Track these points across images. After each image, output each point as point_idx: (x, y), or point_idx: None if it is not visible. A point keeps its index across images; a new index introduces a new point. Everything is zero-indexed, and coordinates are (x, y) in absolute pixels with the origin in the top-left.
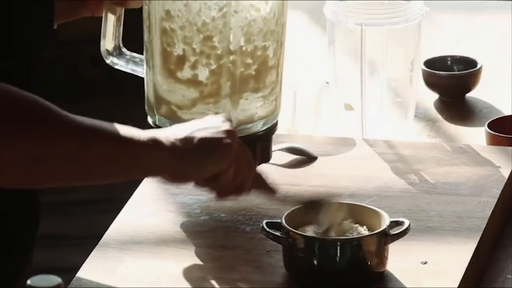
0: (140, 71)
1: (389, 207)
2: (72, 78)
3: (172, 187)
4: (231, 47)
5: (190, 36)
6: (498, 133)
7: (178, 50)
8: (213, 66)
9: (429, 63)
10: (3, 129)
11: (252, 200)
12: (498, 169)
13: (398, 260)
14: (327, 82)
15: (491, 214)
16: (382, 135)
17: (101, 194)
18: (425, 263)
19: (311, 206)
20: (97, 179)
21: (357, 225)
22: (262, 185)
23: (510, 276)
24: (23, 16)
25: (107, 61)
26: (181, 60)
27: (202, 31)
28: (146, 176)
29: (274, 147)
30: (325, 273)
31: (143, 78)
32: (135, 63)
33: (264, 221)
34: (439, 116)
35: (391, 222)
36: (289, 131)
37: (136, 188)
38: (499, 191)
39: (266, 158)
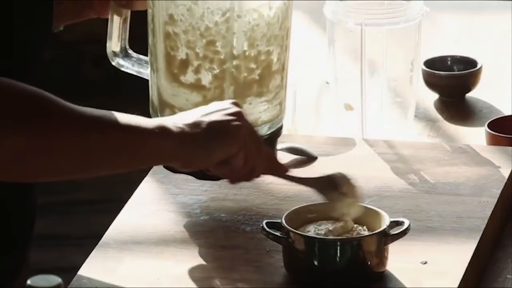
0: (145, 73)
1: (389, 207)
2: (72, 78)
3: (172, 187)
4: (234, 52)
5: (193, 41)
6: (498, 133)
7: (181, 54)
8: (216, 71)
9: (429, 63)
10: (3, 121)
11: (252, 200)
12: (498, 169)
13: (398, 260)
14: (327, 82)
15: (491, 214)
16: (382, 135)
17: (101, 194)
18: (425, 263)
19: (328, 184)
20: (103, 170)
21: (357, 225)
22: (274, 166)
23: (510, 276)
24: (23, 16)
25: (113, 63)
26: (184, 64)
27: (205, 36)
28: (154, 164)
29: None
30: (325, 273)
31: (143, 79)
32: (141, 65)
33: (264, 221)
34: (439, 116)
35: (391, 222)
36: (289, 131)
37: (136, 188)
38: (499, 191)
39: None
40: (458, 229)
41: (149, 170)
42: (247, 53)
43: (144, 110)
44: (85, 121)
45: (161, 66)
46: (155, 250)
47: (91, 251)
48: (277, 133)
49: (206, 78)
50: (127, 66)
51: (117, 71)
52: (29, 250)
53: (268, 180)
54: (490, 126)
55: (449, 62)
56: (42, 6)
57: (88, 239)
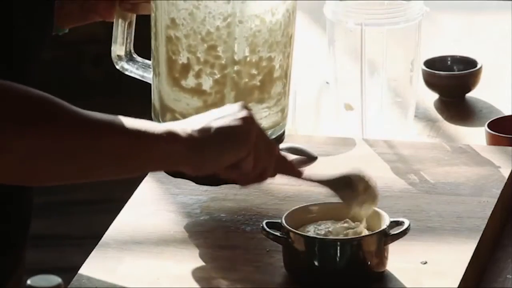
0: (149, 77)
1: (389, 207)
2: (72, 78)
3: (172, 187)
4: (236, 57)
5: (195, 45)
6: (498, 133)
7: (182, 58)
8: (217, 76)
9: (429, 63)
10: (10, 125)
11: (252, 200)
12: (498, 169)
13: (398, 260)
14: (327, 82)
15: (491, 214)
16: (382, 135)
17: (101, 194)
18: (425, 263)
19: (342, 184)
20: (109, 175)
21: (357, 223)
22: (287, 169)
23: (510, 276)
24: (23, 16)
25: (117, 67)
26: (186, 68)
27: (207, 40)
28: (162, 169)
29: None
30: (325, 273)
31: (140, 79)
32: (145, 69)
33: (264, 221)
34: (439, 116)
35: (391, 222)
36: (289, 131)
37: (136, 188)
38: (499, 191)
39: None
40: (458, 229)
41: None
42: (248, 59)
43: (144, 110)
44: (91, 125)
45: (163, 70)
46: (155, 250)
47: (91, 251)
48: (278, 139)
49: (207, 83)
50: (131, 70)
51: (117, 71)
52: (25, 250)
53: (268, 180)
54: (490, 126)
55: (449, 62)
56: (42, 6)
57: (88, 239)
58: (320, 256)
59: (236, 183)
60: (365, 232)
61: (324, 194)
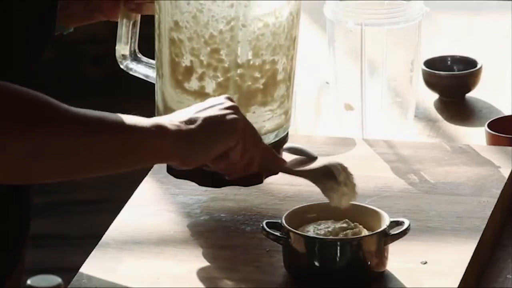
0: (153, 77)
1: (389, 207)
2: (72, 78)
3: (172, 187)
4: (239, 61)
5: (198, 48)
6: (498, 133)
7: (185, 61)
8: (220, 79)
9: (429, 63)
10: (8, 125)
11: (252, 200)
12: (498, 169)
13: (398, 260)
14: (327, 82)
15: (491, 214)
16: (382, 135)
17: (101, 194)
18: (425, 263)
19: (323, 174)
20: (102, 171)
21: (356, 223)
22: (272, 159)
23: (510, 276)
24: (23, 16)
25: (122, 66)
26: (189, 71)
27: (210, 44)
28: (153, 163)
29: None
30: (325, 273)
31: (143, 79)
32: (150, 69)
33: (264, 221)
34: (439, 116)
35: (391, 222)
36: (289, 131)
37: (136, 188)
38: (499, 191)
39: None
40: (458, 229)
41: (149, 170)
42: (251, 62)
43: (144, 110)
44: (82, 123)
45: (166, 72)
46: (155, 250)
47: (91, 251)
48: (282, 141)
49: (210, 86)
50: (136, 69)
51: (117, 71)
52: (24, 250)
53: (268, 180)
54: (490, 126)
55: (449, 62)
56: (43, 6)
57: (88, 239)
58: (320, 256)
59: (223, 173)
60: (365, 232)
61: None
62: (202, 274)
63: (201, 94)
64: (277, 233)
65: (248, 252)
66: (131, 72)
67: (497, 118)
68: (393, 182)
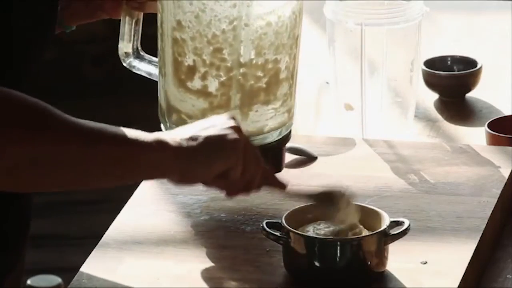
0: (156, 75)
1: (389, 207)
2: (73, 78)
3: (172, 187)
4: (241, 60)
5: (201, 47)
6: (498, 133)
7: (188, 60)
8: (223, 78)
9: (429, 63)
10: (10, 134)
11: (252, 200)
12: (498, 169)
13: (398, 260)
14: (327, 82)
15: (491, 214)
16: (382, 135)
17: (101, 194)
18: (425, 263)
19: (324, 200)
20: (101, 183)
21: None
22: (272, 181)
23: (510, 276)
24: (23, 16)
25: (125, 64)
26: (192, 70)
27: (212, 43)
28: (153, 177)
29: None
30: (325, 273)
31: (143, 79)
32: (153, 67)
33: (264, 221)
34: (439, 116)
35: (391, 222)
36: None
37: (136, 188)
38: (499, 191)
39: (277, 168)
40: (458, 229)
41: None
42: (254, 61)
43: (144, 110)
44: (83, 134)
45: (169, 71)
46: (155, 250)
47: (91, 251)
48: (285, 139)
49: (212, 85)
50: (138, 67)
51: (117, 70)
52: (24, 249)
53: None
54: (490, 126)
55: (449, 62)
56: (43, 6)
57: (88, 239)
58: (320, 256)
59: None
60: (365, 232)
61: None
62: (202, 274)
63: (204, 93)
64: (277, 233)
65: (248, 252)
66: (134, 70)
67: (497, 118)
68: (393, 182)
